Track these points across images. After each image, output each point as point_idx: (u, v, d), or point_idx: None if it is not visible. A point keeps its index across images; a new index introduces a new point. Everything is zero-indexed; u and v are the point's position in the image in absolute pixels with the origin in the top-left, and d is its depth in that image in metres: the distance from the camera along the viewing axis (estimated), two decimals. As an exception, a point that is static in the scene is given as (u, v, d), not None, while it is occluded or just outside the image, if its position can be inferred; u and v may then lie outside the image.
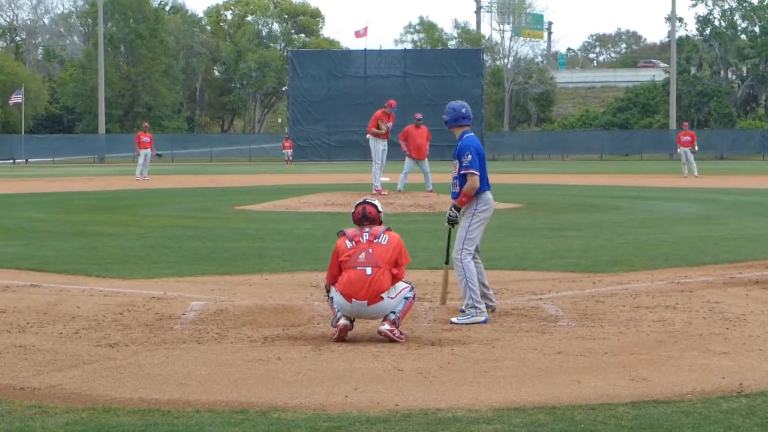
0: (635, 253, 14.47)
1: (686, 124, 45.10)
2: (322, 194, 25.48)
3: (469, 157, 9.42)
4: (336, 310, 8.49)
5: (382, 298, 8.40)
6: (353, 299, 8.37)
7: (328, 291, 8.71)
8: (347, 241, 8.62)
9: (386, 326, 8.35)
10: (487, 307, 9.48)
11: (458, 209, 9.51)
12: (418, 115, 26.95)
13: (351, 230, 8.74)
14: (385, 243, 8.59)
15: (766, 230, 17.90)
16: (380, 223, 8.83)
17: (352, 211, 8.88)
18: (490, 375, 7.18)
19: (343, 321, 8.38)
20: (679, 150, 40.81)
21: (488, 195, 9.60)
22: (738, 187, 33.23)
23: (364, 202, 8.89)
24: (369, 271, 8.42)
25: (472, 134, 9.72)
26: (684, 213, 22.20)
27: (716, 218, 20.66)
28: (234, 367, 7.43)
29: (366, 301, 8.37)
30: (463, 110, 9.69)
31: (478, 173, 9.41)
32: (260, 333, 8.71)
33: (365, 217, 8.76)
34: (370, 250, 8.51)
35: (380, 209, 8.90)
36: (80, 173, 50.55)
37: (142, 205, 25.28)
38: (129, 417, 6.09)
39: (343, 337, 8.36)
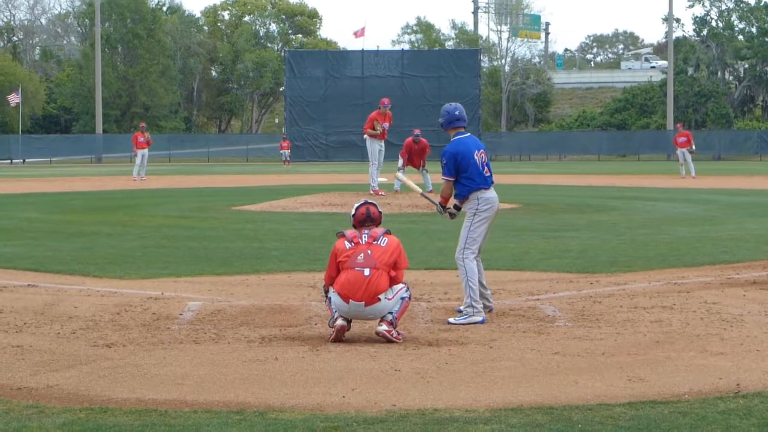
0: (633, 254, 14.47)
1: (680, 125, 45.06)
2: (320, 195, 25.48)
3: (444, 161, 9.64)
4: (333, 310, 8.48)
5: (380, 299, 8.40)
6: (350, 300, 8.37)
7: (326, 291, 8.71)
8: (346, 242, 8.62)
9: (384, 327, 8.35)
10: (485, 307, 9.49)
11: (443, 206, 9.77)
12: (417, 131, 27.25)
13: (350, 231, 8.74)
14: (384, 245, 8.59)
15: (764, 231, 17.91)
16: (380, 224, 8.84)
17: (353, 213, 8.85)
18: (487, 375, 7.18)
19: (340, 321, 8.37)
20: (677, 151, 40.86)
21: (489, 194, 9.62)
22: (735, 188, 33.25)
23: (366, 202, 8.89)
24: (367, 272, 8.42)
25: (462, 137, 9.70)
26: (681, 213, 22.21)
27: (714, 219, 20.68)
28: (231, 367, 7.43)
29: (363, 302, 8.37)
30: (456, 113, 9.70)
31: (450, 180, 9.60)
32: (257, 333, 8.71)
33: (369, 218, 8.75)
34: (369, 252, 8.51)
35: (380, 210, 8.92)
36: (77, 173, 50.51)
37: (139, 206, 25.26)
38: (126, 417, 6.09)
39: (340, 337, 8.36)
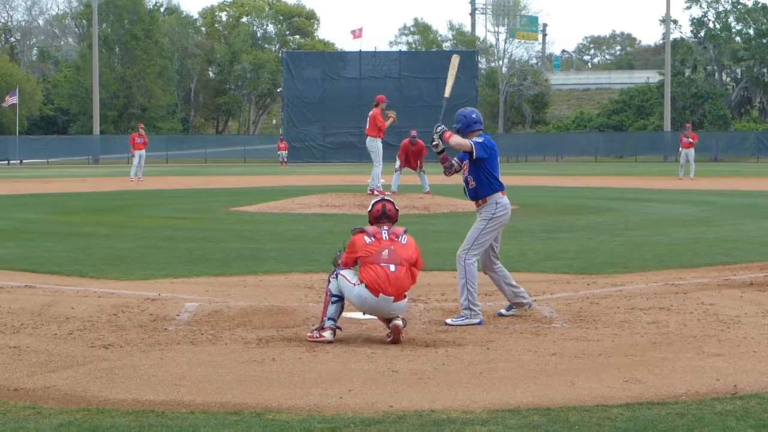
0: (630, 255, 14.48)
1: (689, 125, 44.76)
2: (317, 195, 25.47)
3: (481, 140, 9.38)
4: (330, 312, 8.44)
5: (405, 296, 8.43)
6: (381, 294, 8.33)
7: (335, 266, 8.66)
8: (366, 237, 8.57)
9: (401, 322, 8.35)
10: (523, 305, 9.57)
11: (441, 138, 9.40)
12: (414, 132, 27.29)
13: (371, 227, 8.71)
14: (405, 243, 8.59)
15: (761, 232, 17.93)
16: (396, 222, 8.84)
17: (369, 209, 8.86)
18: (484, 376, 7.18)
19: (328, 335, 8.32)
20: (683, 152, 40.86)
21: (506, 199, 9.64)
22: (732, 189, 33.27)
23: (383, 200, 8.90)
24: (393, 268, 8.41)
25: (487, 135, 9.67)
26: (678, 215, 22.23)
27: (711, 220, 20.69)
28: (228, 368, 7.43)
29: (393, 297, 8.35)
30: (474, 115, 9.64)
31: (473, 149, 9.32)
32: (255, 334, 8.70)
33: (384, 215, 8.74)
34: (392, 248, 8.50)
35: (397, 208, 8.93)
36: (75, 174, 50.47)
37: (136, 206, 25.25)
38: (123, 418, 6.09)
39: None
